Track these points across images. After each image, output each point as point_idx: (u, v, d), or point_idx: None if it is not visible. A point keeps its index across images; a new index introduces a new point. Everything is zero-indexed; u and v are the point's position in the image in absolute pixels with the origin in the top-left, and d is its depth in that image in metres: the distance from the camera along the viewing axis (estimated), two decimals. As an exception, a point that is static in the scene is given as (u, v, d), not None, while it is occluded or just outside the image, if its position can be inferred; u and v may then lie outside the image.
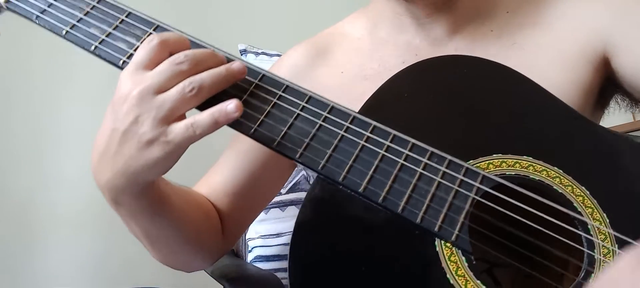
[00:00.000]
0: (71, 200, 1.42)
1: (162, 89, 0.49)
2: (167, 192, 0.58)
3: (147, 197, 0.54)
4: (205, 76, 0.50)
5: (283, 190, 1.00)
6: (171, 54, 0.52)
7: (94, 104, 1.33)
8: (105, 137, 0.51)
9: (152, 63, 0.51)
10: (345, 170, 0.51)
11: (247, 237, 1.03)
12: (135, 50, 0.57)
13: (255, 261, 1.01)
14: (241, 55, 1.12)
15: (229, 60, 0.55)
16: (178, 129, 0.49)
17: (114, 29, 0.58)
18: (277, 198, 0.99)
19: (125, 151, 0.50)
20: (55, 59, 1.38)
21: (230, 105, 0.49)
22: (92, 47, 0.58)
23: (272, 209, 1.01)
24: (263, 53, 1.10)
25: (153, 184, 0.55)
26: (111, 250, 1.41)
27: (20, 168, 1.42)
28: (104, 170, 0.52)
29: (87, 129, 1.40)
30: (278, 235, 1.00)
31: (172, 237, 0.61)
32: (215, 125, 0.49)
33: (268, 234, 1.00)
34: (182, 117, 0.50)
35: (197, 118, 0.49)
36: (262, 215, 0.95)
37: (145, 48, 0.51)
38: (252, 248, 1.02)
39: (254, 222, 0.83)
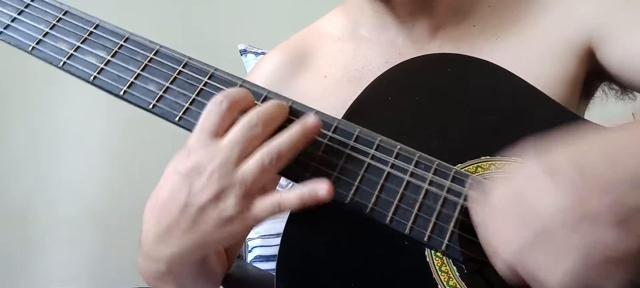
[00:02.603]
0: (70, 201, 1.42)
1: (240, 159, 0.46)
2: None
3: (205, 263, 0.53)
4: (283, 142, 0.47)
5: (282, 191, 0.99)
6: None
7: (92, 106, 1.32)
8: (175, 210, 0.47)
9: (224, 129, 0.47)
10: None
11: (247, 237, 1.01)
12: (106, 64, 0.54)
13: (255, 261, 1.00)
14: (241, 55, 1.09)
15: (293, 112, 0.50)
16: (263, 206, 0.47)
17: (82, 42, 0.56)
18: (277, 198, 0.99)
19: (202, 226, 0.47)
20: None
21: (322, 191, 0.46)
22: (61, 63, 0.55)
23: (272, 209, 1.00)
24: (263, 53, 1.08)
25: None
26: (110, 251, 1.41)
27: (19, 171, 1.41)
28: (169, 245, 0.49)
29: (85, 131, 1.40)
30: (278, 235, 0.99)
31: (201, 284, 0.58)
32: (301, 206, 0.47)
33: (268, 234, 1.00)
34: (264, 188, 0.48)
35: (284, 197, 0.47)
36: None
37: (215, 112, 0.47)
38: (252, 248, 1.01)
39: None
